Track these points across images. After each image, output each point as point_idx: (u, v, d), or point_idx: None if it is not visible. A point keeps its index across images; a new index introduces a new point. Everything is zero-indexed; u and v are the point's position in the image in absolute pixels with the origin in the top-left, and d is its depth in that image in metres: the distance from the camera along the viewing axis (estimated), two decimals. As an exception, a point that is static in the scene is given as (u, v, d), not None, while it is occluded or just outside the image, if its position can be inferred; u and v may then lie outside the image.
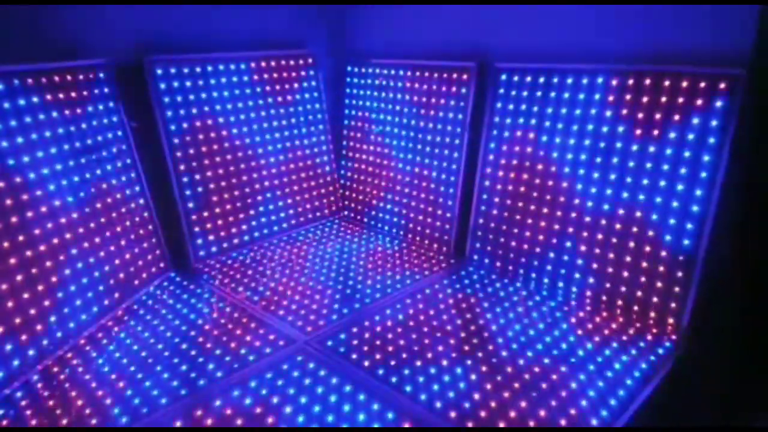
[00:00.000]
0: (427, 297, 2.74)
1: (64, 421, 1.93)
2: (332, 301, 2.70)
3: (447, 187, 3.20)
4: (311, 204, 3.67)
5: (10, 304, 2.13)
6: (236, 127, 3.21)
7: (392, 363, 2.22)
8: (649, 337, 2.37)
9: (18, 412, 1.99)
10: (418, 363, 2.22)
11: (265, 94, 3.33)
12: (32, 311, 2.22)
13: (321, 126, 3.65)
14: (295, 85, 3.48)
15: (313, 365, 2.22)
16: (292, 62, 3.45)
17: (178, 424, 1.91)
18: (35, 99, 2.34)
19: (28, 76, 2.33)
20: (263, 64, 3.31)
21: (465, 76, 3.04)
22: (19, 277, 2.17)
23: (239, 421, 1.91)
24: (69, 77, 2.51)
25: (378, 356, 2.27)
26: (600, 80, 2.51)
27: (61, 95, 2.46)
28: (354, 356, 2.27)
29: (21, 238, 2.20)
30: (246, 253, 3.26)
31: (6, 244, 2.13)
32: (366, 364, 2.23)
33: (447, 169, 3.19)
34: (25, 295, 2.19)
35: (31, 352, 2.20)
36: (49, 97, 2.41)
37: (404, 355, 2.27)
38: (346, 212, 3.85)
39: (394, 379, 2.13)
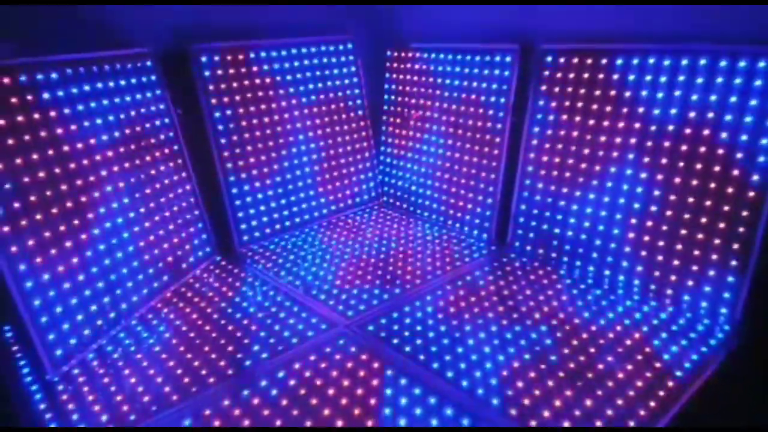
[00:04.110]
0: (468, 283, 2.72)
1: (119, 398, 2.02)
2: (373, 287, 2.72)
3: (488, 173, 3.15)
4: (351, 190, 3.68)
5: (66, 285, 2.23)
6: (278, 114, 3.23)
7: (433, 349, 2.23)
8: (701, 328, 2.29)
9: (76, 388, 2.09)
10: (460, 349, 2.22)
11: (305, 80, 3.34)
12: (87, 292, 2.32)
13: (361, 111, 3.65)
14: (335, 71, 3.48)
15: (355, 349, 2.24)
16: (332, 48, 3.44)
17: (226, 402, 1.97)
18: (87, 87, 2.42)
19: (79, 66, 2.40)
20: (304, 50, 3.31)
21: (508, 59, 2.97)
22: (74, 260, 2.27)
23: (284, 402, 1.96)
24: (118, 66, 2.58)
25: (419, 341, 2.28)
26: (651, 61, 2.41)
27: (110, 83, 2.53)
28: (395, 341, 2.28)
29: (76, 222, 2.29)
30: (288, 238, 3.31)
31: (62, 228, 2.23)
32: (407, 349, 2.23)
33: (489, 154, 3.14)
34: (80, 278, 2.29)
35: (86, 332, 2.30)
36: (99, 85, 2.48)
37: (445, 341, 2.27)
38: (385, 198, 3.85)
39: (435, 365, 2.13)
